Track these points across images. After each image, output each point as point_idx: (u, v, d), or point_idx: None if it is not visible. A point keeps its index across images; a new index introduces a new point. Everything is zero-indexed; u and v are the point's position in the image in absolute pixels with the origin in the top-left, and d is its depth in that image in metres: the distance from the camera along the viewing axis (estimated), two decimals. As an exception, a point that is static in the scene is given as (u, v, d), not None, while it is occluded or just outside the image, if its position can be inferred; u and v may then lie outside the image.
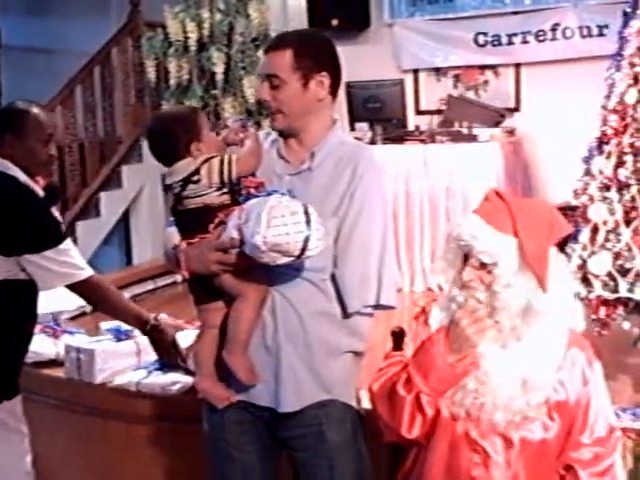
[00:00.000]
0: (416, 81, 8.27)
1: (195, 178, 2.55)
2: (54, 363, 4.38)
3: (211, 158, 2.57)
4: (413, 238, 6.62)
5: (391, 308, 2.70)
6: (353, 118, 7.27)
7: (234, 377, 2.60)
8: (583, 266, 3.91)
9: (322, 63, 2.66)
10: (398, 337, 2.85)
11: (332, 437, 2.68)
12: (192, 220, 2.59)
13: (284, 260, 2.40)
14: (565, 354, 2.37)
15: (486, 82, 8.13)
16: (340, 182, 2.63)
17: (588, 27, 7.57)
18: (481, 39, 8.02)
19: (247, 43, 7.22)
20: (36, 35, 9.04)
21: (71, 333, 4.58)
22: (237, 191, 2.59)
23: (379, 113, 7.08)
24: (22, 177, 3.16)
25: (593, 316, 3.94)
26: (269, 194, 2.48)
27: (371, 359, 4.67)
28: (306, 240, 2.36)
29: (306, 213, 2.39)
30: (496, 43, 7.97)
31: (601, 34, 7.45)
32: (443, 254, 2.43)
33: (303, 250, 2.37)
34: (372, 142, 6.91)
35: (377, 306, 2.67)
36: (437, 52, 8.18)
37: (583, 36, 7.60)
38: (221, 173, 2.54)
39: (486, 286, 2.29)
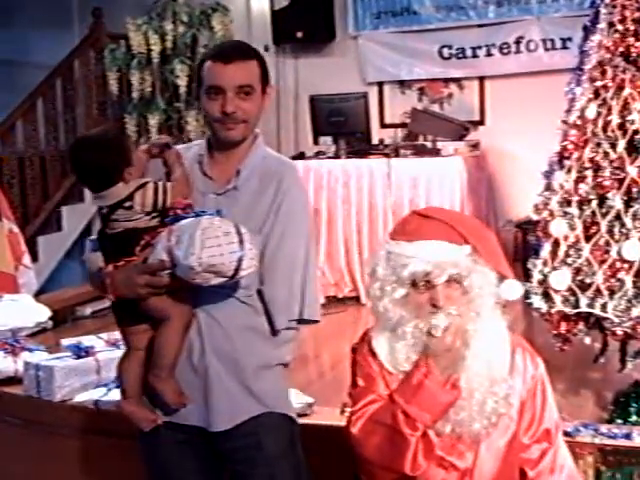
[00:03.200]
0: (381, 94, 8.29)
1: (127, 204, 2.51)
2: (13, 380, 4.34)
3: (145, 184, 2.54)
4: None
5: (315, 322, 2.71)
6: (317, 132, 7.24)
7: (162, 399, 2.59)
8: (544, 281, 3.89)
9: (268, 75, 2.69)
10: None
11: (270, 447, 2.67)
12: (119, 243, 2.54)
13: (217, 281, 2.40)
14: (511, 353, 2.41)
15: (450, 95, 8.16)
16: (264, 198, 2.62)
17: (552, 40, 7.64)
18: (445, 52, 8.07)
19: (211, 56, 7.18)
20: (-3, 46, 8.95)
21: (30, 350, 4.53)
22: (164, 213, 2.55)
23: (343, 126, 7.05)
24: None
25: (554, 331, 3.93)
26: (197, 215, 2.47)
27: (336, 374, 4.66)
28: (240, 260, 2.37)
29: (239, 233, 2.40)
30: (460, 56, 8.02)
31: (565, 47, 7.51)
32: (379, 288, 2.39)
33: (237, 270, 2.38)
34: (336, 156, 6.93)
35: (300, 320, 2.67)
36: (402, 65, 8.21)
37: (547, 49, 7.66)
38: (155, 201, 2.51)
39: (456, 301, 2.29)
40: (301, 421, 3.75)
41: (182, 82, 7.06)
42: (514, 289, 2.50)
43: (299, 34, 8.13)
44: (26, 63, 8.57)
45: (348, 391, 2.56)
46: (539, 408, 2.44)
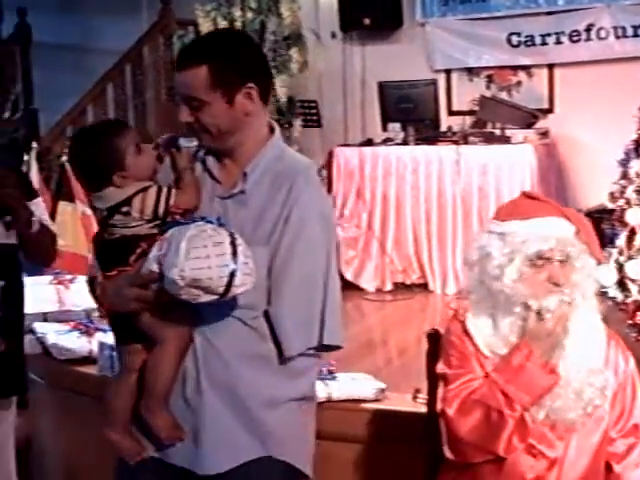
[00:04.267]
0: (448, 81, 8.21)
1: (124, 209, 2.28)
2: (87, 360, 4.37)
3: (146, 189, 2.30)
4: (445, 239, 6.59)
5: (337, 348, 2.41)
6: (385, 118, 7.23)
7: (151, 431, 2.31)
8: (620, 270, 3.86)
9: (246, 73, 2.31)
10: (434, 340, 2.81)
11: None
12: (114, 251, 2.31)
13: (206, 298, 2.12)
14: (606, 344, 2.42)
15: (519, 83, 8.05)
16: (274, 204, 2.30)
17: (623, 27, 7.48)
18: (514, 39, 7.94)
19: (279, 42, 7.23)
20: (67, 32, 9.03)
21: (104, 331, 4.56)
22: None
23: (412, 113, 7.04)
24: None
25: (630, 321, 3.89)
26: (194, 221, 2.21)
27: (404, 361, 4.66)
28: (232, 275, 2.08)
29: (232, 244, 2.11)
30: (529, 43, 7.88)
31: (636, 35, 7.37)
32: (497, 267, 2.39)
33: (228, 287, 2.09)
34: (404, 142, 6.92)
35: (320, 347, 2.35)
36: (470, 52, 8.11)
37: (618, 37, 7.51)
38: (156, 208, 2.27)
39: (568, 281, 2.32)
40: (373, 407, 3.80)
41: (250, 68, 7.05)
42: (610, 275, 2.50)
43: (366, 21, 8.08)
44: (95, 49, 8.66)
45: (438, 371, 2.57)
46: (629, 403, 2.44)
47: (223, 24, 7.09)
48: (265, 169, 2.35)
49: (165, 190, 2.29)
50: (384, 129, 7.24)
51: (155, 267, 2.16)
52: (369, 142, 7.26)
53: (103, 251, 2.35)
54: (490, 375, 2.37)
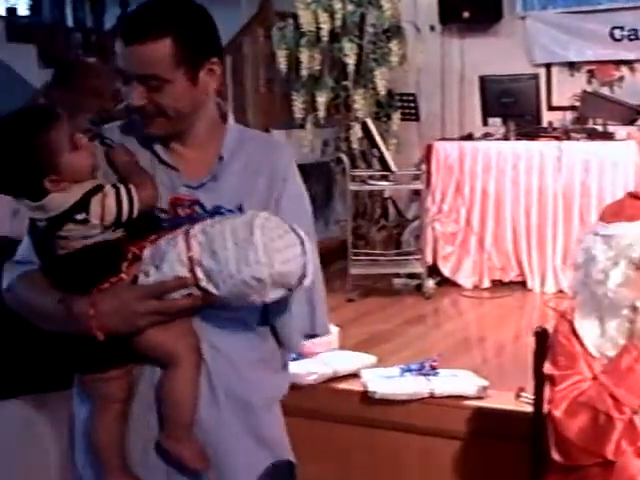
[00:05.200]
0: (549, 76, 8.10)
1: (79, 217, 1.86)
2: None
3: (98, 190, 1.89)
4: (545, 236, 6.49)
5: (316, 337, 2.23)
6: (486, 113, 7.16)
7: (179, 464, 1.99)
8: None
9: (210, 46, 2.01)
10: (542, 338, 2.78)
11: None
12: (84, 264, 1.89)
13: (275, 295, 1.87)
14: None
15: (621, 78, 7.90)
16: (255, 191, 2.05)
17: None
18: (617, 33, 7.79)
19: (379, 34, 7.22)
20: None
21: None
22: (131, 224, 1.93)
23: (512, 108, 6.95)
24: None
25: None
26: (217, 212, 1.96)
27: (502, 359, 4.62)
28: (304, 266, 1.87)
29: (295, 231, 1.89)
30: (633, 37, 7.73)
31: None
32: (601, 271, 2.36)
33: (301, 279, 1.88)
34: (505, 138, 6.84)
35: (309, 336, 2.19)
36: (571, 46, 7.99)
37: None
38: (119, 213, 1.88)
39: None
40: (475, 404, 3.78)
41: (350, 60, 7.05)
42: None
43: (466, 14, 8.02)
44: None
45: (545, 371, 2.55)
46: None
47: (324, 16, 7.08)
48: (232, 151, 2.07)
49: (123, 190, 1.90)
50: (484, 123, 7.17)
51: (183, 270, 1.84)
52: (469, 136, 7.20)
53: (64, 268, 1.91)
54: (599, 377, 2.35)
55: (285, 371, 2.21)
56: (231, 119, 2.12)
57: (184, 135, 2.04)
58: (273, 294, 1.86)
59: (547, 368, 2.52)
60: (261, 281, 1.82)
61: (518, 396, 3.72)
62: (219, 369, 2.00)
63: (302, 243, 1.87)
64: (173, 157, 2.04)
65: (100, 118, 3.01)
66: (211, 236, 1.84)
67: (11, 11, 9.33)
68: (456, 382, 3.88)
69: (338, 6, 7.14)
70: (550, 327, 2.66)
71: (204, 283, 1.85)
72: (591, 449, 2.34)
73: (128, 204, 1.89)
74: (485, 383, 3.89)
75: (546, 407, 2.51)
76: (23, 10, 9.76)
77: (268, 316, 2.07)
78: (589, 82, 7.98)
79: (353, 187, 6.60)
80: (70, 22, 9.65)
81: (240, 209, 1.98)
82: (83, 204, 1.86)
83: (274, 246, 1.82)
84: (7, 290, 2.05)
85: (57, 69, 3.12)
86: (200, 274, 1.84)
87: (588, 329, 2.39)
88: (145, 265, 1.88)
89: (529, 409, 2.99)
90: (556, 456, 2.43)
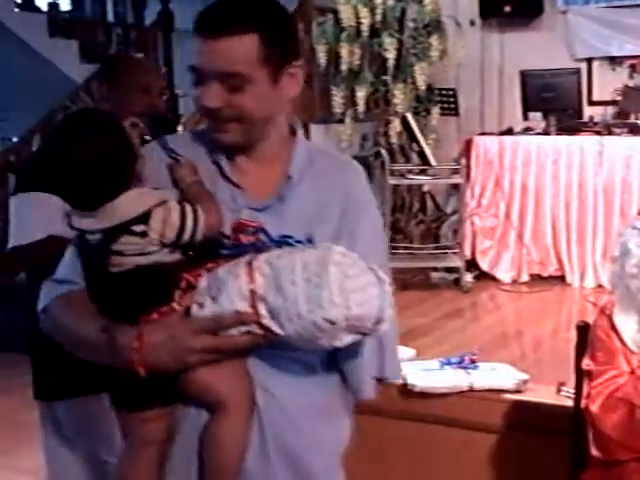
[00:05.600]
0: (589, 70, 8.04)
1: (139, 229, 1.66)
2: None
3: (163, 203, 1.70)
4: (585, 231, 6.46)
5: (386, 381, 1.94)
6: (526, 107, 7.14)
7: None
8: None
9: (294, 48, 1.83)
10: (583, 332, 2.77)
11: None
12: (135, 286, 1.69)
13: (348, 339, 1.65)
14: None
15: (663, 73, 7.84)
16: (327, 217, 1.82)
17: None
18: (659, 28, 7.73)
19: (419, 29, 7.21)
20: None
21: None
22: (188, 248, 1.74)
23: (554, 103, 6.94)
24: None
25: None
26: (285, 242, 1.75)
27: (541, 354, 4.60)
28: (381, 308, 1.65)
29: (371, 268, 1.68)
30: (675, 32, 7.66)
31: None
32: (635, 266, 2.36)
33: (378, 322, 1.66)
34: (545, 132, 6.81)
35: (378, 379, 1.91)
36: (612, 41, 7.91)
37: None
38: (181, 230, 1.69)
39: None
40: (515, 398, 3.78)
41: (390, 55, 7.05)
42: None
43: (507, 8, 7.97)
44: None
45: (584, 367, 2.55)
46: None
47: (364, 11, 7.09)
48: (301, 170, 1.86)
49: (189, 208, 1.71)
50: (525, 118, 7.15)
51: (243, 305, 1.63)
52: (509, 131, 7.18)
53: (113, 289, 1.72)
54: (636, 372, 2.33)
55: (348, 419, 1.96)
56: (300, 133, 1.93)
57: (253, 148, 1.85)
58: (345, 338, 1.64)
59: (586, 363, 2.52)
60: (334, 324, 1.59)
61: (559, 391, 3.72)
62: (272, 417, 1.77)
63: (380, 283, 1.67)
64: (237, 172, 1.84)
65: (147, 115, 3.00)
66: (278, 269, 1.63)
67: (53, 6, 9.42)
68: (496, 376, 3.88)
69: (379, 1, 7.14)
70: (590, 322, 2.66)
71: (267, 321, 1.63)
72: (628, 444, 2.34)
73: (192, 224, 1.69)
74: (525, 377, 3.89)
75: (583, 402, 2.50)
76: (65, 5, 9.86)
77: (334, 358, 1.82)
78: (631, 77, 7.89)
79: (392, 181, 6.61)
80: (111, 17, 9.72)
81: (310, 241, 1.77)
82: (144, 215, 1.67)
83: (351, 286, 1.60)
84: (43, 311, 1.87)
85: (103, 64, 3.13)
86: (263, 310, 1.63)
87: (626, 324, 2.39)
88: (200, 296, 1.67)
89: (569, 404, 2.99)
90: (594, 451, 2.43)
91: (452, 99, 7.65)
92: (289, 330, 1.62)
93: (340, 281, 1.59)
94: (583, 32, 8.01)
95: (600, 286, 6.21)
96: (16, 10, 8.78)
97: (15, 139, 8.22)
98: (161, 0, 8.43)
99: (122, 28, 9.25)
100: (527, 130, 7.07)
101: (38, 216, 2.77)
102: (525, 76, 7.11)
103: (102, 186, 1.67)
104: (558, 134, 6.74)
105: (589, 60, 8.05)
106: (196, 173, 1.79)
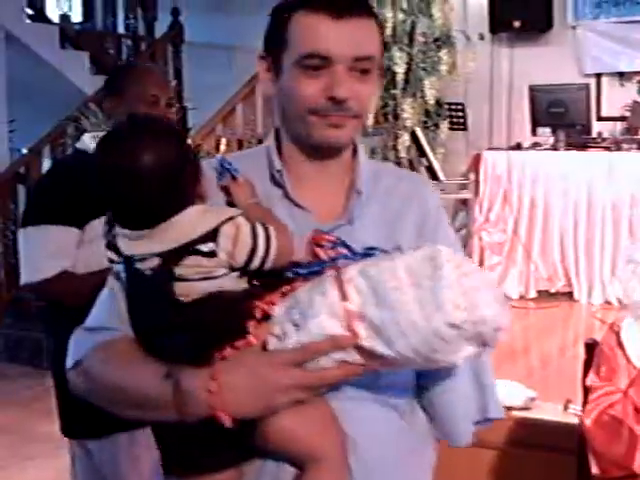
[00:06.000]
0: (598, 86, 8.05)
1: (207, 247, 1.39)
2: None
3: (230, 219, 1.43)
4: (593, 248, 6.46)
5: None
6: (535, 122, 7.14)
7: None
8: None
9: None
10: (591, 350, 2.77)
11: None
12: (208, 318, 1.40)
13: (466, 353, 1.37)
14: None
15: (672, 89, 7.83)
16: (401, 236, 1.60)
17: None
18: (669, 44, 7.73)
19: (429, 43, 7.22)
20: (218, 31, 9.25)
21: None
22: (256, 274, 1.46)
23: (562, 118, 6.95)
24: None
25: None
26: (371, 254, 1.46)
27: (548, 371, 4.58)
28: (501, 312, 1.37)
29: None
30: (684, 48, 7.66)
31: None
32: None
33: (497, 329, 1.37)
34: (554, 148, 6.82)
35: (480, 421, 1.63)
36: (621, 56, 7.92)
37: None
38: (253, 251, 1.42)
39: None
40: (523, 415, 3.76)
41: (400, 69, 7.07)
42: None
43: (516, 23, 7.97)
44: (246, 48, 8.77)
45: (587, 383, 2.55)
46: None
47: (374, 25, 7.09)
48: (369, 187, 1.63)
49: (260, 226, 1.45)
50: (534, 133, 7.15)
51: (338, 328, 1.36)
52: (517, 146, 7.19)
53: (181, 322, 1.42)
54: (627, 390, 2.33)
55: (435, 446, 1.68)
56: (362, 150, 1.67)
57: (326, 160, 1.61)
58: (465, 351, 1.36)
59: (589, 379, 2.52)
60: (459, 329, 1.32)
61: (566, 408, 3.71)
62: (356, 471, 1.48)
63: (494, 283, 1.44)
64: (298, 192, 1.59)
65: None
66: (375, 279, 1.36)
67: (64, 18, 9.45)
68: (503, 393, 3.86)
69: (389, 15, 7.16)
70: (599, 339, 2.66)
71: (369, 342, 1.36)
72: (618, 461, 2.34)
73: (265, 245, 1.43)
74: (533, 394, 3.88)
75: (580, 417, 2.50)
76: (76, 17, 9.89)
77: (424, 398, 1.59)
78: (640, 92, 7.92)
79: (400, 196, 6.59)
80: (121, 29, 9.75)
81: (398, 249, 1.50)
82: (212, 233, 1.41)
83: (470, 283, 1.34)
84: (74, 366, 1.57)
85: (109, 75, 3.06)
86: (362, 330, 1.35)
87: (633, 340, 2.39)
88: (277, 325, 1.40)
89: (576, 421, 2.98)
90: (594, 469, 2.43)
91: (461, 114, 7.66)
92: (399, 347, 1.34)
93: (459, 279, 1.34)
94: (592, 47, 8.02)
95: (608, 302, 6.21)
96: (27, 21, 8.80)
97: (24, 150, 8.24)
98: (172, 12, 8.47)
99: (133, 40, 9.27)
100: (536, 145, 7.08)
101: (49, 252, 2.67)
102: (534, 91, 7.12)
103: (167, 199, 1.41)
104: (567, 150, 6.77)
105: (598, 75, 8.06)
106: (255, 194, 1.54)
